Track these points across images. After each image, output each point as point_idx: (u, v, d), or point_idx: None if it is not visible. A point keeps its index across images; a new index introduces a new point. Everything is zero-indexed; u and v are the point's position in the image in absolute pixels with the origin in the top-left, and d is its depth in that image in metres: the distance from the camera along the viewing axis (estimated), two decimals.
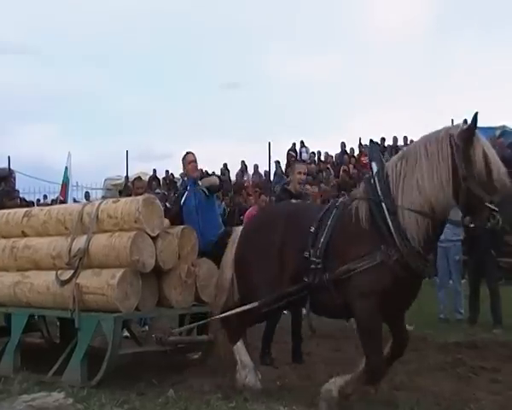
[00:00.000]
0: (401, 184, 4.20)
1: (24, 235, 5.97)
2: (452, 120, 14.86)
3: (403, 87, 33.92)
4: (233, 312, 4.81)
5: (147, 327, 7.24)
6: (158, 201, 5.44)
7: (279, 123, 32.77)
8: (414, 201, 4.11)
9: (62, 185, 13.97)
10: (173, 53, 37.74)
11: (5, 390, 4.90)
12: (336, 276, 4.28)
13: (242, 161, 20.24)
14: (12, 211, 6.38)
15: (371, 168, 4.52)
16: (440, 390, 4.79)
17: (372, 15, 35.76)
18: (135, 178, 9.03)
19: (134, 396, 4.63)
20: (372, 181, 4.38)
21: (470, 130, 4.04)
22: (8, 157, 16.94)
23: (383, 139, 16.45)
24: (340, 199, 4.88)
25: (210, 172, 20.37)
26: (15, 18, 36.88)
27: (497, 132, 15.66)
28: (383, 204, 4.21)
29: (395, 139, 16.71)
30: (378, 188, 4.29)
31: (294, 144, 20.03)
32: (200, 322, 5.32)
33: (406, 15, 35.14)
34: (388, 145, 16.51)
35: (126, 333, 6.32)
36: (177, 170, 20.69)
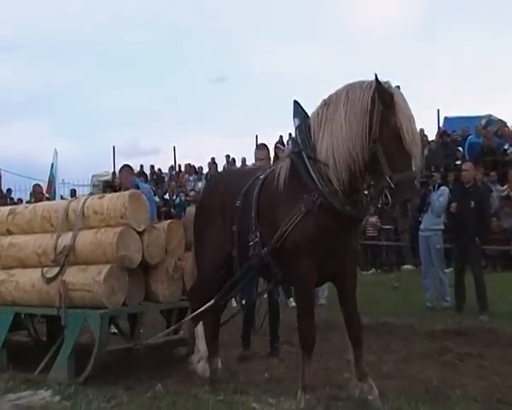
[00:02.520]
0: (321, 130, 4.11)
1: (9, 233, 5.92)
2: (438, 110, 14.93)
3: (389, 78, 33.87)
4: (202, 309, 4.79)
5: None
6: (144, 196, 5.42)
7: (266, 116, 32.74)
8: (333, 144, 4.00)
9: (48, 183, 13.85)
10: (160, 48, 37.58)
11: None
12: (273, 246, 4.22)
13: (227, 155, 20.18)
14: None
15: (294, 125, 4.44)
16: (427, 378, 4.82)
17: (359, 7, 35.81)
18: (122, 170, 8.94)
19: (122, 391, 4.63)
20: (294, 136, 4.38)
21: (386, 93, 3.82)
22: None
23: None
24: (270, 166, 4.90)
25: (197, 166, 20.47)
26: (1, 14, 36.53)
27: (483, 121, 15.76)
28: (303, 153, 4.17)
29: None
30: (298, 139, 4.26)
31: (282, 137, 19.97)
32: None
33: (392, 8, 35.19)
34: None
35: (114, 329, 6.30)
36: (165, 165, 20.69)
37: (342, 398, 4.35)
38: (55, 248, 5.32)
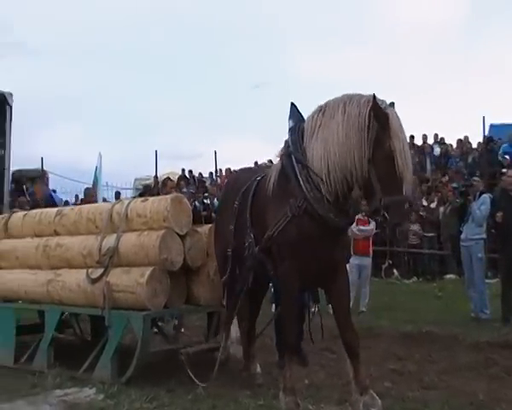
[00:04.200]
0: (314, 136, 4.11)
1: (56, 234, 6.08)
2: (484, 117, 14.57)
3: (430, 84, 33.39)
4: None
5: (177, 321, 7.29)
6: (186, 200, 5.48)
7: None
8: (325, 152, 3.99)
9: (93, 185, 14.17)
10: (201, 54, 37.98)
11: (39, 385, 5.04)
12: (263, 246, 4.31)
13: (269, 160, 20.21)
14: (44, 210, 6.52)
15: (288, 126, 4.47)
16: (472, 390, 4.72)
17: (401, 11, 35.37)
18: (166, 178, 9.21)
19: (163, 393, 4.69)
20: (287, 138, 4.38)
21: (383, 114, 3.80)
22: (42, 158, 17.20)
23: (412, 137, 16.21)
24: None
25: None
26: (45, 20, 37.63)
27: None
28: (292, 156, 4.17)
29: (424, 137, 16.46)
30: (290, 141, 4.27)
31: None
32: None
33: (431, 12, 34.63)
34: (416, 145, 16.25)
35: (155, 329, 6.38)
36: (206, 169, 20.86)
37: (383, 407, 4.27)
38: (100, 249, 5.43)
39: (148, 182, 21.21)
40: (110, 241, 5.40)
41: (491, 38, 33.66)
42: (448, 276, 12.28)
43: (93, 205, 6.75)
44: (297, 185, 4.10)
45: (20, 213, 6.71)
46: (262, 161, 20.36)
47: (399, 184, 3.82)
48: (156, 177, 19.90)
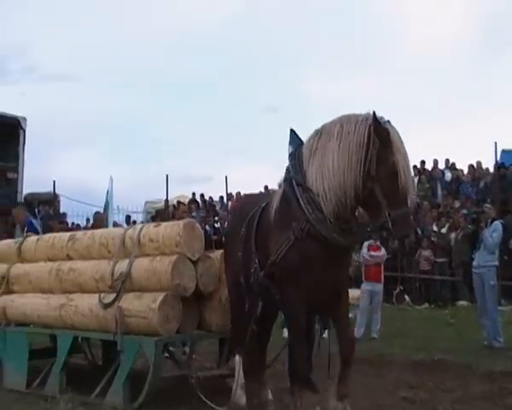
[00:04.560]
0: (312, 160, 4.16)
1: (69, 258, 6.12)
2: (496, 143, 14.59)
3: (444, 109, 33.45)
4: None
5: (187, 348, 7.28)
6: (198, 225, 5.51)
7: None
8: (323, 175, 4.04)
9: (104, 209, 14.26)
10: (213, 78, 38.30)
11: None
12: (267, 272, 4.30)
13: (266, 186, 20.25)
14: (57, 235, 6.59)
15: (288, 152, 4.55)
16: None
17: (410, 37, 35.63)
18: (178, 201, 9.28)
19: None
20: (288, 163, 4.42)
21: (384, 130, 3.88)
22: (54, 181, 17.38)
23: (423, 162, 16.22)
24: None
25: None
26: (57, 45, 38.31)
27: None
28: (293, 180, 4.21)
29: (435, 162, 16.46)
30: (290, 166, 4.32)
31: None
32: None
33: (447, 36, 34.83)
34: (427, 170, 16.24)
35: (166, 354, 6.37)
36: (216, 193, 20.92)
37: None
38: (112, 274, 5.46)
39: (158, 205, 21.34)
40: (123, 266, 5.43)
41: (504, 62, 33.75)
42: (460, 302, 12.18)
43: (106, 230, 6.80)
44: (298, 208, 4.13)
45: (33, 238, 6.76)
46: (272, 185, 20.49)
47: (404, 197, 3.92)
48: (167, 201, 20.01)
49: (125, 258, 5.48)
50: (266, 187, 20.16)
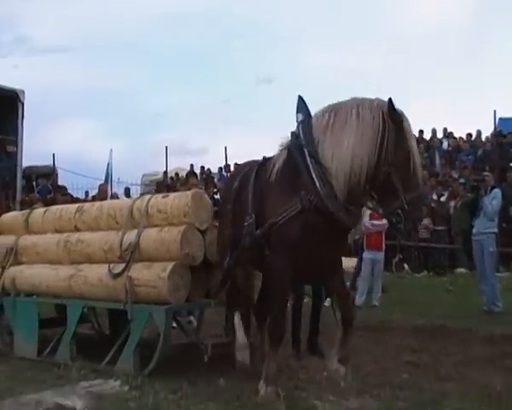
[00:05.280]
0: (326, 137, 4.22)
1: (76, 229, 6.18)
2: (495, 111, 14.63)
3: (442, 78, 33.32)
4: None
5: (192, 317, 7.41)
6: (206, 195, 5.57)
7: None
8: (338, 153, 4.12)
9: (105, 181, 14.30)
10: (209, 49, 37.98)
11: (65, 377, 5.17)
12: (264, 231, 4.35)
13: (264, 156, 20.28)
14: (64, 207, 6.63)
15: (296, 119, 4.55)
16: (489, 382, 4.76)
17: (411, 6, 35.26)
18: (188, 174, 9.35)
19: (186, 384, 4.78)
20: (296, 130, 4.45)
21: (399, 116, 4.04)
22: (53, 154, 17.35)
23: (421, 132, 16.25)
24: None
25: None
26: (57, 17, 37.77)
27: None
28: (305, 150, 4.25)
29: (434, 131, 16.50)
30: (301, 135, 4.35)
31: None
32: None
33: (442, 7, 34.49)
34: (424, 139, 16.26)
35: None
36: (213, 165, 20.92)
37: (402, 398, 4.38)
38: (121, 244, 5.53)
39: (155, 178, 21.35)
40: (131, 236, 5.49)
41: (503, 30, 33.51)
42: (458, 270, 12.36)
43: (113, 201, 6.86)
44: (309, 179, 4.19)
45: (40, 210, 6.82)
46: (269, 154, 20.51)
47: (417, 180, 4.08)
48: (166, 173, 20.03)
49: (134, 229, 5.54)
50: (264, 158, 20.24)
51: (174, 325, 6.47)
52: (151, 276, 5.23)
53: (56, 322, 6.47)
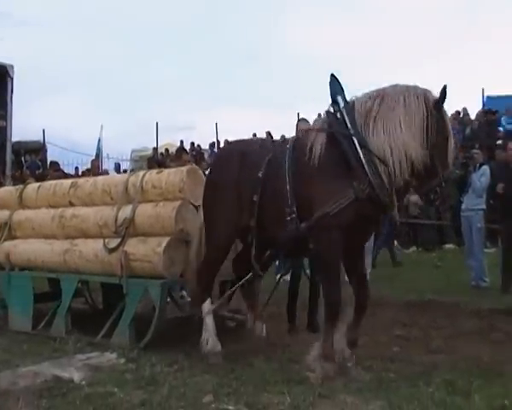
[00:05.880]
0: (374, 122, 4.24)
1: (71, 205, 6.19)
2: (483, 89, 14.64)
3: (427, 56, 33.30)
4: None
5: (184, 292, 7.47)
6: (201, 171, 5.59)
7: (306, 93, 32.59)
8: (388, 141, 4.18)
9: (95, 157, 14.22)
10: (197, 24, 37.57)
11: (61, 349, 5.23)
12: (312, 223, 4.27)
13: (268, 132, 20.28)
14: (58, 182, 6.62)
15: (336, 102, 4.43)
16: (477, 354, 4.90)
17: None
18: (179, 150, 9.33)
19: (182, 357, 4.87)
20: (339, 115, 4.37)
21: (442, 101, 4.24)
22: (43, 130, 17.20)
23: None
24: (292, 136, 4.86)
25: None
26: None
27: None
28: (354, 138, 4.25)
29: None
30: (348, 122, 4.30)
31: (320, 115, 20.00)
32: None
33: None
34: None
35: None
36: (201, 141, 20.87)
37: (393, 370, 4.49)
38: (116, 220, 5.56)
39: (145, 153, 21.26)
40: (126, 211, 5.53)
41: (490, 9, 33.43)
42: (447, 246, 12.53)
43: (108, 177, 6.87)
44: (361, 169, 4.19)
45: (34, 185, 6.82)
46: (259, 131, 20.46)
47: (451, 157, 4.36)
48: (156, 148, 19.95)
49: (128, 204, 5.58)
50: (255, 135, 20.20)
51: (168, 299, 6.57)
52: (146, 251, 5.29)
53: (50, 296, 6.51)
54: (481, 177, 8.61)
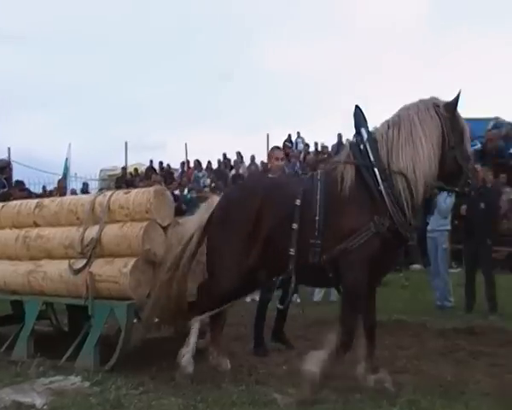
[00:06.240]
0: (396, 151, 4.34)
1: (35, 225, 6.10)
2: None
3: (401, 77, 34.06)
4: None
5: None
6: (168, 192, 5.59)
7: (277, 114, 32.92)
8: (409, 167, 4.28)
9: (63, 177, 14.06)
10: (169, 43, 37.70)
11: (23, 374, 5.08)
12: (333, 255, 4.30)
13: (238, 152, 20.43)
14: (23, 202, 6.51)
15: (359, 133, 4.51)
16: (441, 373, 4.98)
17: (364, 5, 35.85)
18: (149, 170, 9.28)
19: (147, 379, 4.81)
20: (362, 146, 4.44)
21: (455, 103, 4.43)
22: (9, 148, 16.96)
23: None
24: (319, 170, 4.84)
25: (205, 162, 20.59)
26: (13, 6, 36.73)
27: (491, 124, 15.86)
28: (376, 170, 4.32)
29: None
30: (370, 154, 4.38)
31: (290, 135, 20.27)
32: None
33: (396, 6, 35.20)
34: None
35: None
36: (170, 160, 20.89)
37: (358, 390, 4.49)
38: (82, 240, 5.50)
39: (114, 172, 21.13)
40: (92, 232, 5.47)
41: (452, 31, 34.45)
42: (413, 266, 12.70)
43: (74, 197, 6.79)
44: (382, 203, 4.25)
45: None
46: (229, 152, 20.58)
47: (470, 150, 4.58)
48: (125, 168, 19.85)
49: (95, 224, 5.52)
50: (225, 155, 20.32)
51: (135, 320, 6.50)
52: (113, 271, 5.23)
53: (13, 319, 6.36)
54: (446, 198, 8.76)
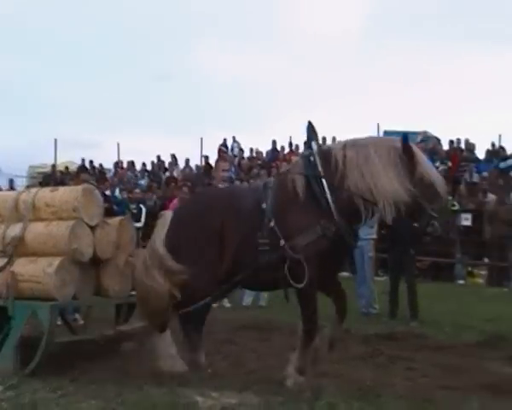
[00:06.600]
0: (349, 169, 4.64)
1: None
2: (378, 124, 15.57)
3: (335, 90, 34.86)
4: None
5: (77, 315, 7.23)
6: (97, 191, 5.50)
7: (211, 117, 32.92)
8: (361, 186, 4.60)
9: None
10: (104, 43, 37.00)
11: None
12: (283, 252, 4.63)
13: (173, 155, 20.28)
14: None
15: (310, 147, 4.88)
16: (360, 377, 5.14)
17: (305, 13, 36.52)
18: (79, 169, 9.08)
19: (67, 382, 4.68)
20: (312, 158, 4.77)
21: (410, 148, 4.66)
22: None
23: (305, 143, 16.81)
24: (271, 178, 5.22)
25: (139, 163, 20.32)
26: None
27: (419, 138, 16.54)
28: (323, 180, 4.64)
29: (324, 140, 17.21)
30: (319, 165, 4.71)
31: (225, 140, 20.29)
32: None
33: (339, 20, 36.10)
34: None
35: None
36: (102, 159, 20.50)
37: (281, 394, 4.57)
38: (3, 238, 5.33)
39: (43, 170, 20.48)
40: (15, 230, 5.31)
41: (387, 44, 35.65)
42: (342, 274, 12.98)
43: None
44: (328, 210, 4.60)
45: None
46: (163, 153, 20.40)
47: (441, 190, 4.69)
48: (54, 166, 19.29)
49: (18, 222, 5.35)
50: (159, 157, 20.04)
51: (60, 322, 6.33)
52: (36, 271, 5.09)
53: None
54: None
